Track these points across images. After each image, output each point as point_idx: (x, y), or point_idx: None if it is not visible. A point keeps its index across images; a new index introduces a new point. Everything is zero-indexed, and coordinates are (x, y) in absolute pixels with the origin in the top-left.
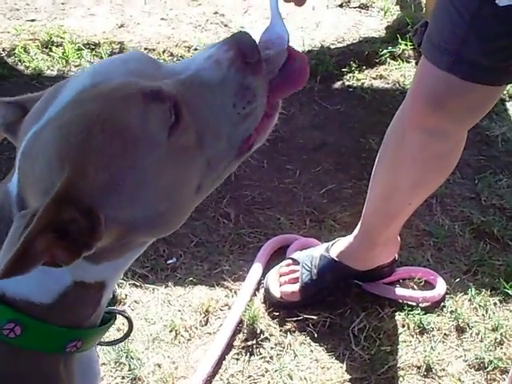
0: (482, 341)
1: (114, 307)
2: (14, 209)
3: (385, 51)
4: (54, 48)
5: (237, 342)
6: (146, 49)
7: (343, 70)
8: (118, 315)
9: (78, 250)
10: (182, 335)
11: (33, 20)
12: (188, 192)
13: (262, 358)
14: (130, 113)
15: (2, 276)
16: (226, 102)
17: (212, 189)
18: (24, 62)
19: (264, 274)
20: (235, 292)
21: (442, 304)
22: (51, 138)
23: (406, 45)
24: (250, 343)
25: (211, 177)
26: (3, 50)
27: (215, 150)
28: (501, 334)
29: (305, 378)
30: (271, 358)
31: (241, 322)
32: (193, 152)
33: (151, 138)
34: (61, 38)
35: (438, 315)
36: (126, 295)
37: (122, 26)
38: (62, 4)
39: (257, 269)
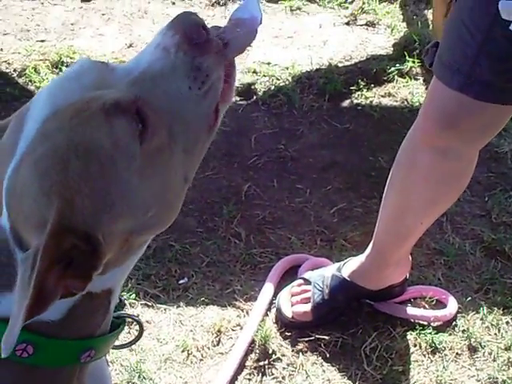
0: (494, 360)
1: (123, 311)
2: (10, 243)
3: (392, 69)
4: (63, 68)
5: (249, 362)
6: None
7: (351, 88)
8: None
9: (87, 273)
10: (194, 355)
11: (43, 40)
12: (176, 186)
13: (274, 378)
14: (97, 134)
15: (24, 322)
16: (180, 86)
17: (195, 171)
18: (35, 82)
19: (276, 294)
20: (247, 312)
21: (454, 323)
22: (31, 175)
23: (414, 62)
24: (262, 363)
25: (192, 162)
26: (14, 70)
27: (187, 137)
28: None
29: None
30: (283, 378)
31: (253, 342)
32: (168, 148)
33: (125, 152)
34: (70, 58)
35: (450, 334)
36: (138, 315)
37: (130, 45)
38: (72, 24)
39: (268, 289)
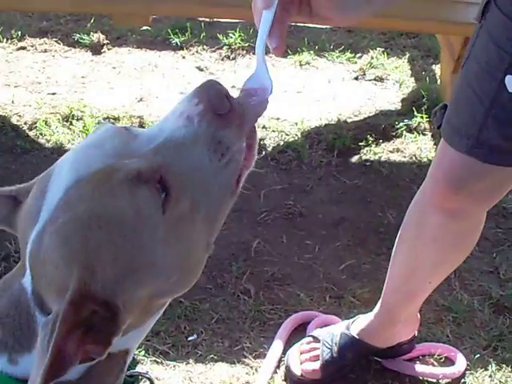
0: None
1: (135, 370)
2: (31, 304)
3: (401, 124)
4: (74, 122)
5: None
6: None
7: (360, 143)
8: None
9: (107, 339)
10: None
11: (54, 93)
12: (199, 252)
13: None
14: (119, 204)
15: None
16: (201, 157)
17: (217, 234)
18: (45, 135)
19: (285, 352)
20: (256, 369)
21: (463, 380)
22: (52, 244)
23: (422, 117)
24: None
25: (214, 228)
26: (25, 123)
27: (209, 205)
28: None
29: None
30: None
31: None
32: (191, 216)
33: (148, 222)
34: (81, 111)
35: None
36: (148, 372)
37: (141, 99)
38: (82, 77)
39: (277, 346)
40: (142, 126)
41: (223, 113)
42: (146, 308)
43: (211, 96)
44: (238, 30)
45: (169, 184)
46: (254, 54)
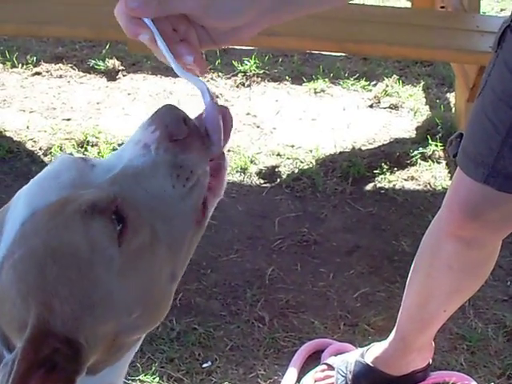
0: None
1: None
2: None
3: (415, 152)
4: (89, 148)
5: None
6: None
7: (375, 171)
8: None
9: (71, 377)
10: None
11: (69, 119)
12: (162, 285)
13: None
14: (73, 237)
15: None
16: (163, 184)
17: (185, 266)
18: None
19: (299, 379)
20: None
21: None
22: (9, 279)
23: (437, 145)
24: None
25: (179, 258)
26: (40, 148)
27: (171, 234)
28: None
29: None
30: None
31: None
32: (150, 246)
33: (103, 255)
34: (96, 137)
35: None
36: None
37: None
38: (97, 103)
39: (292, 373)
40: None
41: (181, 138)
42: (114, 344)
43: (167, 122)
44: (253, 57)
45: (125, 214)
46: (269, 81)
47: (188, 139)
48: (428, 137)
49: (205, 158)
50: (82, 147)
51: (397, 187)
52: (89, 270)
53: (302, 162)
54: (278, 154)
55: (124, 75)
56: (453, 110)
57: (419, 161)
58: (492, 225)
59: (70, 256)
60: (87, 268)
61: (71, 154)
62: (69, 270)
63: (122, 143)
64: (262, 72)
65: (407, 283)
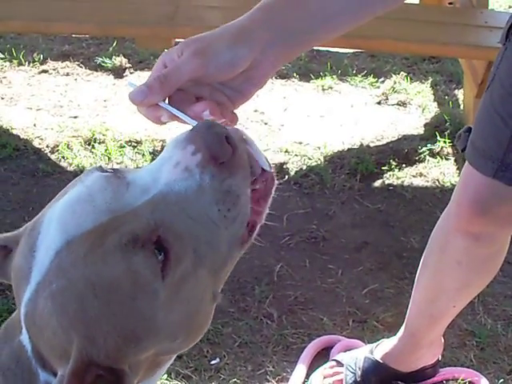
0: None
1: None
2: (32, 361)
3: (424, 149)
4: (96, 145)
5: None
6: None
7: (383, 168)
8: None
9: None
10: None
11: (75, 117)
12: (205, 308)
13: None
14: (114, 273)
15: None
16: (208, 211)
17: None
18: (67, 158)
19: (308, 376)
20: None
21: None
22: (48, 309)
23: (445, 142)
24: None
25: (220, 279)
26: (47, 146)
27: (215, 259)
28: None
29: None
30: None
31: None
32: (194, 273)
33: (146, 289)
34: (103, 135)
35: None
36: None
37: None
38: (104, 101)
39: (301, 370)
40: (163, 149)
41: (226, 160)
42: (153, 364)
43: (209, 142)
44: None
45: (168, 244)
46: (276, 78)
47: (233, 160)
48: (436, 133)
49: (249, 179)
50: (89, 144)
51: (405, 184)
52: (132, 305)
53: (310, 159)
54: (286, 151)
55: (131, 72)
56: (461, 106)
57: (427, 157)
58: (501, 220)
59: (111, 291)
60: (130, 302)
61: (101, 167)
62: (111, 304)
63: (130, 140)
64: None
65: (416, 279)
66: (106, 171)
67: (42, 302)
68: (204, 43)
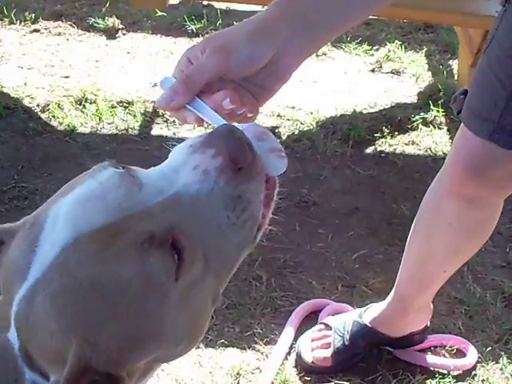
0: None
1: None
2: (19, 360)
3: (417, 117)
4: (87, 105)
5: None
6: None
7: (375, 135)
8: None
9: None
10: None
11: (67, 77)
12: (207, 313)
13: None
14: (126, 273)
15: None
16: (217, 216)
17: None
18: (58, 118)
19: (296, 338)
20: (266, 355)
21: (474, 372)
22: (46, 309)
23: (438, 111)
24: None
25: (222, 285)
26: (37, 105)
27: (222, 264)
28: None
29: None
30: None
31: None
32: (201, 276)
33: (158, 290)
34: (94, 95)
35: None
36: None
37: (155, 84)
38: (96, 61)
39: (289, 332)
40: (155, 110)
41: (245, 166)
42: (147, 369)
43: (231, 148)
44: None
45: (182, 246)
46: None
47: (251, 166)
48: (430, 102)
49: (262, 185)
50: (80, 104)
51: (397, 151)
52: (141, 307)
53: (302, 124)
54: (279, 115)
55: (124, 34)
56: (455, 76)
57: (420, 126)
58: (495, 183)
59: (121, 292)
60: (139, 305)
61: (112, 163)
62: (119, 306)
63: (121, 101)
64: None
65: (407, 243)
66: (118, 167)
67: (40, 301)
68: (225, 40)
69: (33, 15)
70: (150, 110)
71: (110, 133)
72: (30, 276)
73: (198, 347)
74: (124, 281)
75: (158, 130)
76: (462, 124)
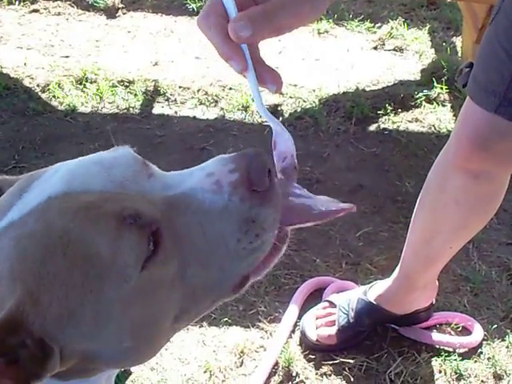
0: None
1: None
2: None
3: (420, 94)
4: (88, 84)
5: None
6: (180, 87)
7: (378, 112)
8: None
9: (29, 379)
10: (216, 376)
11: (67, 56)
12: (163, 324)
13: None
14: (99, 239)
15: None
16: (227, 235)
17: (191, 322)
18: (58, 97)
19: (300, 316)
20: (271, 334)
21: (480, 350)
22: (7, 250)
23: (442, 88)
24: None
25: (191, 309)
26: (38, 85)
27: (202, 285)
28: None
29: None
30: None
31: (276, 364)
32: (171, 284)
33: (121, 271)
34: (95, 74)
35: (475, 361)
36: None
37: (156, 63)
38: (96, 41)
39: (293, 311)
40: (156, 89)
41: (261, 190)
42: (86, 365)
43: (251, 167)
44: None
45: (162, 240)
46: None
47: (268, 193)
48: (433, 79)
49: (277, 219)
50: (80, 84)
51: (401, 128)
52: (97, 281)
53: (304, 102)
54: (281, 93)
55: (124, 13)
56: (459, 53)
57: (424, 103)
58: (501, 157)
59: (83, 256)
60: (97, 277)
61: (137, 155)
62: (76, 270)
63: (122, 80)
64: None
65: (412, 220)
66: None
67: (5, 242)
68: None
69: None
70: (151, 88)
71: (110, 112)
72: (7, 217)
73: (202, 326)
74: (92, 245)
75: (159, 108)
76: (467, 97)
